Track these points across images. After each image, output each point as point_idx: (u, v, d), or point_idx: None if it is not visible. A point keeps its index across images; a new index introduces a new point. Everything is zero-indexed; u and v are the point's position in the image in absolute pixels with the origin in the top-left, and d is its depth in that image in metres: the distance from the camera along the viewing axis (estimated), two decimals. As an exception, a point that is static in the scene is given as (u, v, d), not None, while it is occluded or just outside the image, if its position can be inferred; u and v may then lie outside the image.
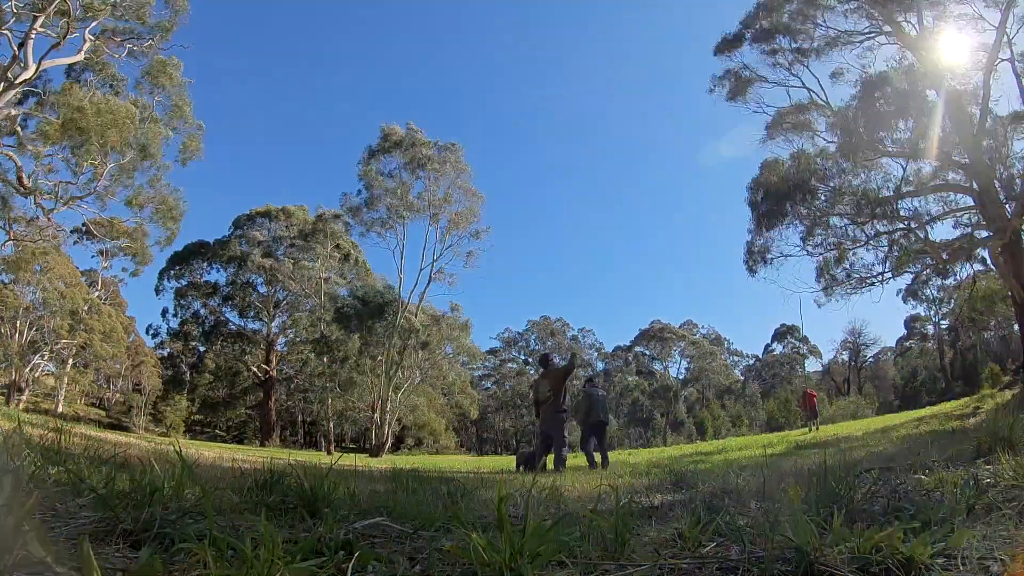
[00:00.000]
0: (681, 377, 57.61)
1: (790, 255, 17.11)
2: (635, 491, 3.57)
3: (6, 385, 28.55)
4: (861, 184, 16.09)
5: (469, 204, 30.39)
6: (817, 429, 18.72)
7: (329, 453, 26.13)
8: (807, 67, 16.64)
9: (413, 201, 29.62)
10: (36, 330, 29.25)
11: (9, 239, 24.56)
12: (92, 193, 18.98)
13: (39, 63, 16.20)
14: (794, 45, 16.61)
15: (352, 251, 36.38)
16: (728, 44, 17.53)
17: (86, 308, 30.80)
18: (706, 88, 18.35)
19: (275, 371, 36.92)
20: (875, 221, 15.99)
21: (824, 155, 16.58)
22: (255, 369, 36.72)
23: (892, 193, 15.82)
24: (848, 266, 16.89)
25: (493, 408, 55.27)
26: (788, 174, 16.39)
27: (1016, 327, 17.40)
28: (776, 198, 16.32)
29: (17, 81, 15.69)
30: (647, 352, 58.27)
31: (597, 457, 8.79)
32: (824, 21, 16.21)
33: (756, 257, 17.28)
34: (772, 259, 17.13)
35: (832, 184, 16.21)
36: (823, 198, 16.30)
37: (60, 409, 30.24)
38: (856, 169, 15.96)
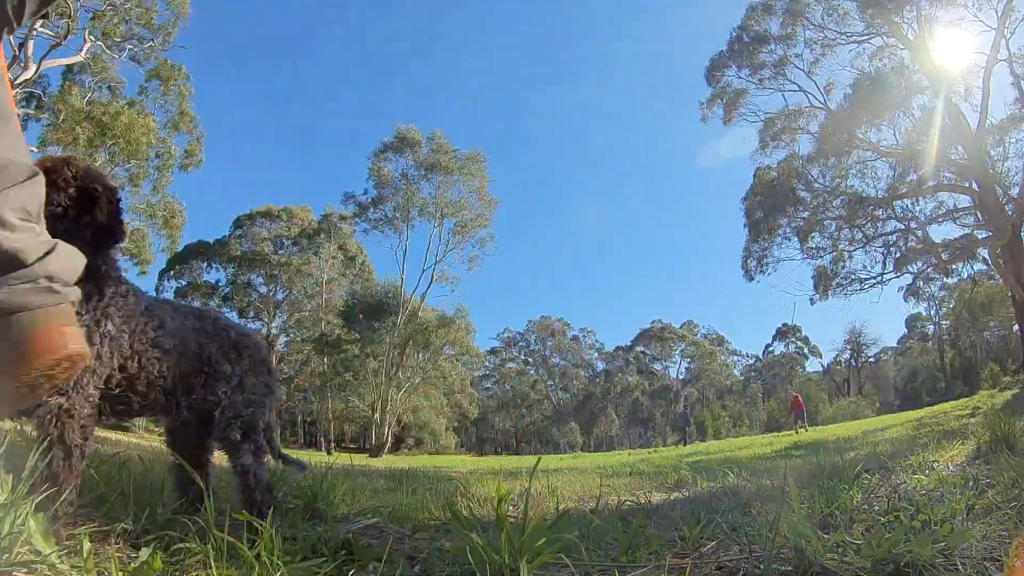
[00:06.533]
0: (682, 377, 57.60)
1: (791, 259, 17.07)
2: (635, 490, 3.57)
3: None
4: (858, 187, 16.08)
5: (482, 210, 30.40)
6: (806, 430, 19.21)
7: (329, 453, 26.13)
8: (804, 72, 16.58)
9: (425, 202, 29.60)
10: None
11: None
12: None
13: (39, 63, 16.19)
14: (785, 52, 16.51)
15: (358, 254, 36.39)
16: (715, 67, 17.34)
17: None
18: (705, 93, 18.18)
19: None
20: (872, 223, 15.98)
21: (816, 159, 16.47)
22: (255, 369, 36.65)
23: (888, 194, 15.81)
24: (846, 268, 16.84)
25: (493, 408, 55.23)
26: (778, 183, 16.30)
27: (1016, 327, 17.41)
28: (770, 209, 16.25)
29: (17, 81, 15.68)
30: (647, 352, 58.23)
31: None
32: (819, 23, 16.10)
33: (753, 264, 17.24)
34: (769, 264, 17.09)
35: (825, 188, 16.14)
36: (818, 203, 16.26)
37: (60, 409, 30.19)
38: (849, 171, 15.92)
